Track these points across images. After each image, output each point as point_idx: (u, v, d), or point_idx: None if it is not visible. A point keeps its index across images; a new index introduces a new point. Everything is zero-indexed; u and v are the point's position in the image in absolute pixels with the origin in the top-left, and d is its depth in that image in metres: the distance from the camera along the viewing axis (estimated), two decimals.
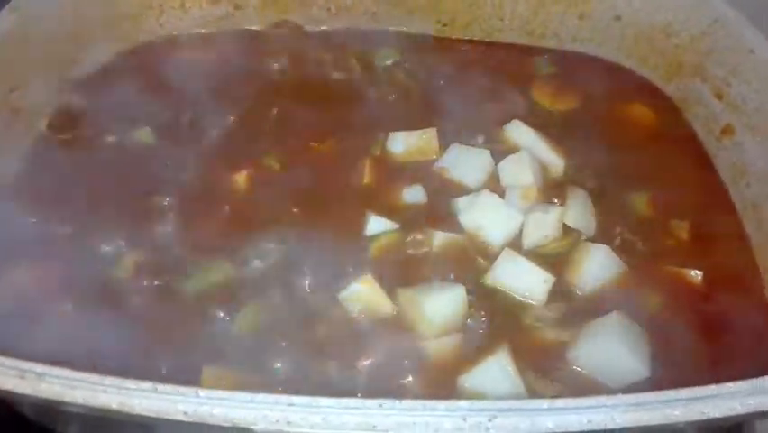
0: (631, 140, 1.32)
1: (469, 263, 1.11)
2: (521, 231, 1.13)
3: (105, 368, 0.76)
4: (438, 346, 1.00)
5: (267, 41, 1.51)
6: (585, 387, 0.97)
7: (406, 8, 1.54)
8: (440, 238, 1.12)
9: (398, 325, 1.03)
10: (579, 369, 0.99)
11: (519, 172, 1.19)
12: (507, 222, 1.14)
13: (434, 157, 1.27)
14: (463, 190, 1.21)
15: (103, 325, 1.00)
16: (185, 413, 0.72)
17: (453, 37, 1.55)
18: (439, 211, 1.18)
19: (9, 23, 1.26)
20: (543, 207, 1.15)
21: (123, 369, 0.77)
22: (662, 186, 1.23)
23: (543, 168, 1.22)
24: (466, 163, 1.23)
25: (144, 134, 1.30)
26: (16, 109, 1.25)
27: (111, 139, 1.29)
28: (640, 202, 1.21)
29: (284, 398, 0.72)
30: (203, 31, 1.53)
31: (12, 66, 1.24)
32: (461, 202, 1.18)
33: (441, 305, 1.02)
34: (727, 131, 1.29)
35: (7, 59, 1.23)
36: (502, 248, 1.11)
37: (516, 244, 1.13)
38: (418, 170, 1.25)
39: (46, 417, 1.03)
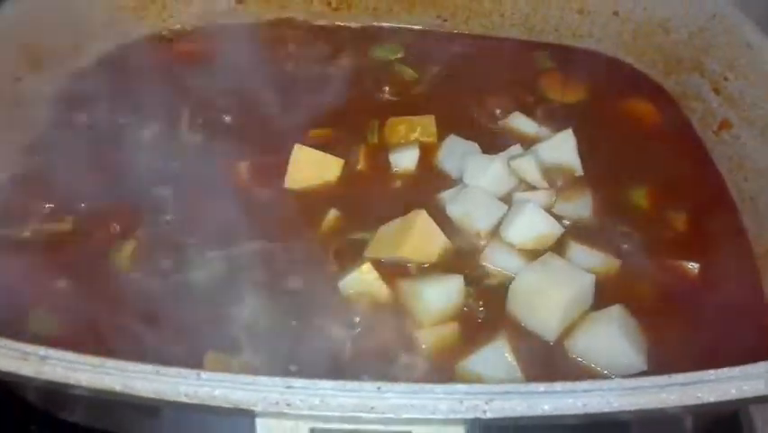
0: (630, 133, 1.33)
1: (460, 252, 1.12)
2: (510, 220, 1.13)
3: (106, 354, 0.77)
4: (436, 334, 1.01)
5: (269, 35, 1.52)
6: (582, 376, 0.97)
7: (406, 3, 1.55)
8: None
9: (397, 312, 1.04)
10: (576, 357, 0.99)
11: (525, 167, 1.20)
12: (493, 212, 1.15)
13: (431, 140, 1.29)
14: (452, 183, 1.23)
15: (103, 312, 1.01)
16: (186, 395, 0.73)
17: (454, 32, 1.56)
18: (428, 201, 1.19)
19: (13, 12, 1.27)
20: (537, 197, 1.17)
21: (124, 356, 0.77)
22: (661, 178, 1.24)
23: (542, 160, 1.22)
24: (457, 156, 1.25)
25: (145, 126, 1.31)
26: (19, 100, 1.26)
27: (112, 130, 1.30)
28: (639, 194, 1.22)
29: (283, 380, 0.73)
30: (205, 25, 1.54)
31: (16, 55, 1.25)
32: (448, 194, 1.20)
33: (439, 293, 1.03)
34: (725, 125, 1.30)
35: (12, 48, 1.24)
36: (489, 237, 1.13)
37: (503, 232, 1.13)
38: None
39: (49, 402, 1.04)
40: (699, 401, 0.75)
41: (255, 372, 0.91)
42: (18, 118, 1.26)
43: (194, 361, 0.94)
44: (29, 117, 1.29)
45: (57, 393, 0.93)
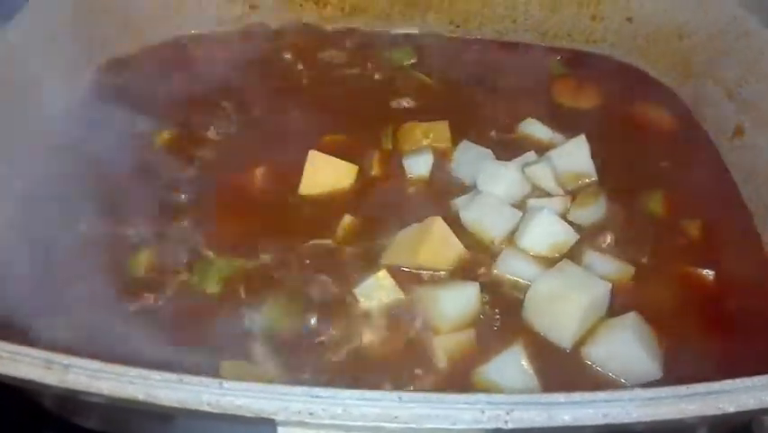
0: (644, 139, 1.34)
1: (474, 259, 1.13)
2: (524, 227, 1.13)
3: (124, 362, 0.77)
4: (452, 341, 1.01)
5: (282, 41, 1.53)
6: (598, 383, 0.97)
7: (419, 9, 1.56)
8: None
9: (413, 319, 1.04)
10: (591, 365, 1.00)
11: (540, 173, 1.21)
12: (507, 218, 1.15)
13: (445, 145, 1.29)
14: (466, 189, 1.23)
15: (120, 321, 1.01)
16: (209, 404, 0.73)
17: (467, 37, 1.57)
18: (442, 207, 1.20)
19: (21, 28, 1.26)
20: (551, 203, 1.17)
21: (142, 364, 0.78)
22: (676, 185, 1.24)
23: (556, 166, 1.22)
24: (471, 162, 1.25)
25: (161, 131, 1.31)
26: (37, 104, 1.27)
27: (127, 136, 1.30)
28: (654, 201, 1.22)
29: (306, 389, 0.73)
30: (219, 30, 1.55)
31: (23, 70, 1.25)
32: (462, 200, 1.20)
33: (455, 301, 1.04)
34: (740, 131, 1.30)
35: (22, 62, 1.24)
36: (504, 244, 1.14)
37: (518, 239, 1.13)
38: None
39: (63, 408, 1.04)
40: (719, 412, 0.75)
41: (271, 380, 0.93)
42: (40, 120, 1.27)
43: (209, 369, 0.95)
44: (50, 119, 1.29)
45: (73, 399, 0.94)
